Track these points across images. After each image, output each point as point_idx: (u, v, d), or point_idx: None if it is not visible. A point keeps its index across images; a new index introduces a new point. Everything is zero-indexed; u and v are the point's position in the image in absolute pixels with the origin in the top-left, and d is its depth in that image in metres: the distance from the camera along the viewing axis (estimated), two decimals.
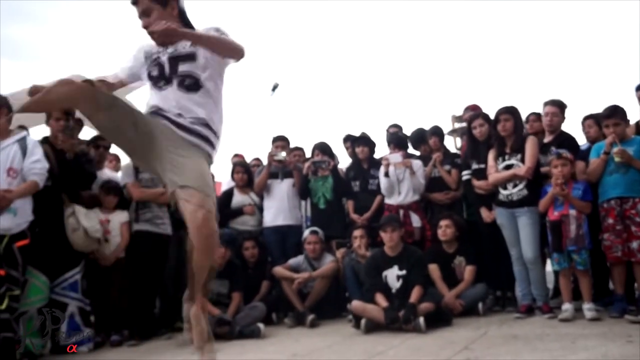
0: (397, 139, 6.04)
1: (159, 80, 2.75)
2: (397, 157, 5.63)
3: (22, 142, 4.36)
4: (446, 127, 7.22)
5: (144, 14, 2.68)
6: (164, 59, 2.74)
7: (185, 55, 2.72)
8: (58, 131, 4.78)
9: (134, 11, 2.74)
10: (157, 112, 2.70)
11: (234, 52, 2.73)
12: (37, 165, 4.36)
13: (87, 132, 5.31)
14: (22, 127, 4.56)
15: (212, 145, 2.76)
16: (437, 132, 6.01)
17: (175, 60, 2.73)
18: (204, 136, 2.70)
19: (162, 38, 2.50)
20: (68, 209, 4.76)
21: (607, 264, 4.52)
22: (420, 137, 6.11)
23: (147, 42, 2.71)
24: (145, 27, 2.61)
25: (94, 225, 4.85)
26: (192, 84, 2.71)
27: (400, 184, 5.64)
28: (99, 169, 5.38)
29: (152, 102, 2.76)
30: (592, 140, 5.10)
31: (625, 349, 3.18)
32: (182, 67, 2.72)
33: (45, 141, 4.79)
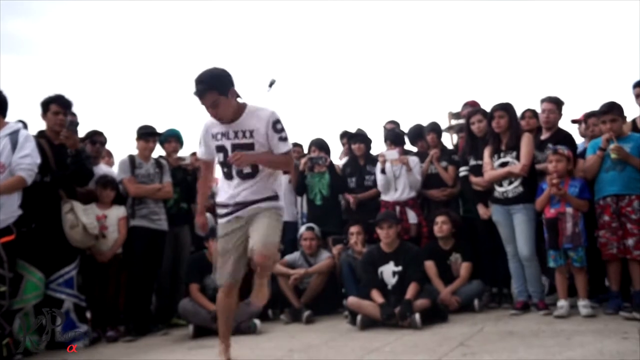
0: (393, 136, 6.03)
1: (224, 166, 3.37)
2: (393, 153, 5.63)
3: (14, 136, 4.19)
4: (443, 123, 7.19)
5: (211, 107, 3.19)
6: (228, 145, 3.30)
7: (245, 145, 3.27)
8: (60, 126, 4.74)
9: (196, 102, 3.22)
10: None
11: (287, 167, 3.68)
12: (25, 161, 4.17)
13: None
14: (20, 121, 4.51)
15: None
16: (434, 128, 6.01)
17: (236, 148, 3.28)
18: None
19: (240, 166, 3.22)
20: (66, 204, 4.72)
21: (602, 261, 4.53)
22: (417, 133, 6.11)
23: (208, 122, 3.36)
24: (214, 116, 3.24)
25: (93, 221, 4.83)
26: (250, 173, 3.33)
27: (396, 181, 5.64)
28: (95, 165, 5.36)
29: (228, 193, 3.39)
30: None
31: (621, 345, 3.20)
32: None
33: (41, 135, 4.75)
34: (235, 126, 3.27)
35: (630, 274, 4.38)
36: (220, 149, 3.33)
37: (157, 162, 5.42)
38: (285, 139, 3.31)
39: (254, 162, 3.27)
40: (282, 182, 3.67)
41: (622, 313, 4.07)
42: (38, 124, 4.89)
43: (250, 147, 3.26)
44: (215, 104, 3.17)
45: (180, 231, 5.62)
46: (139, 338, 4.92)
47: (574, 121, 5.76)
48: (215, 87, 3.15)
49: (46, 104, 4.78)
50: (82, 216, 4.71)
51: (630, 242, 4.28)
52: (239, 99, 3.28)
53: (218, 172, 3.51)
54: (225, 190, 3.38)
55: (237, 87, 3.25)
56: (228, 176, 3.36)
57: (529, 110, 5.38)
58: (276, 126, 3.27)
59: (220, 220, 3.42)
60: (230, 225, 3.35)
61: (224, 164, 3.35)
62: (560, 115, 5.18)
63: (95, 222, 4.88)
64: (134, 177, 5.21)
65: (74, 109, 4.88)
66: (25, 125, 5.03)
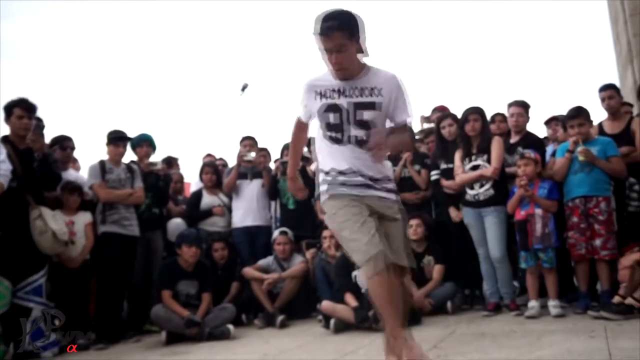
0: None
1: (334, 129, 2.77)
2: None
3: None
4: (415, 127, 7.28)
5: (335, 50, 2.64)
6: (345, 104, 2.74)
7: (367, 104, 2.74)
8: (25, 130, 4.65)
9: (315, 43, 2.69)
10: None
11: (409, 147, 3.21)
12: (2, 166, 4.21)
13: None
14: None
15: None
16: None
17: (357, 107, 2.74)
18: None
19: (377, 156, 2.68)
20: (34, 211, 4.61)
21: (571, 261, 4.61)
22: None
23: (312, 78, 2.81)
24: (336, 62, 2.66)
25: (62, 227, 4.74)
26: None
27: None
28: (64, 170, 5.28)
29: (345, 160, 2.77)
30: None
31: (589, 343, 3.26)
32: (366, 116, 2.74)
33: (5, 140, 4.65)
34: (357, 82, 2.74)
35: (598, 274, 4.47)
36: (332, 108, 2.75)
37: (128, 167, 5.36)
38: (408, 107, 2.79)
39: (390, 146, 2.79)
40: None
41: (590, 312, 4.14)
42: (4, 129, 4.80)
43: (373, 106, 2.72)
44: (342, 48, 2.63)
45: (152, 236, 5.56)
46: (110, 345, 4.84)
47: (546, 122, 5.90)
48: (347, 28, 2.63)
49: (9, 108, 4.67)
50: (51, 222, 4.62)
51: (597, 242, 4.37)
52: (362, 56, 2.75)
53: (319, 137, 2.89)
54: (338, 157, 2.77)
55: (367, 42, 2.72)
56: (336, 141, 2.77)
57: (499, 114, 5.47)
58: (403, 87, 2.77)
59: (339, 189, 2.74)
60: (355, 198, 2.71)
61: (335, 127, 2.76)
62: (528, 118, 5.28)
63: (65, 228, 4.79)
64: (104, 182, 5.14)
65: (39, 113, 4.80)
66: None
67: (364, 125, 2.74)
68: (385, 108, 2.75)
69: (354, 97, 2.73)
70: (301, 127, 3.05)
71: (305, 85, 2.84)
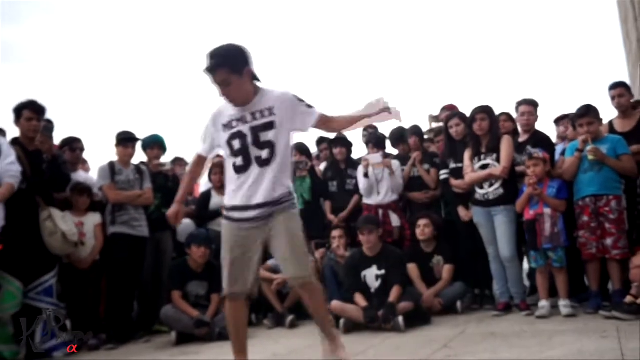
0: (375, 139, 6.06)
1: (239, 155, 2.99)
2: (376, 157, 5.64)
3: None
4: (424, 126, 7.25)
5: (222, 84, 2.91)
6: (246, 130, 2.97)
7: (266, 125, 2.97)
8: (34, 132, 4.68)
9: (207, 79, 2.93)
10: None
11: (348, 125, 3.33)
12: (13, 168, 4.25)
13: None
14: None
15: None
16: (417, 131, 6.03)
17: (256, 131, 2.97)
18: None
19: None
20: (44, 212, 4.64)
21: (582, 261, 4.58)
22: (399, 136, 6.13)
23: (216, 111, 3.06)
24: (225, 96, 2.94)
25: (72, 228, 4.76)
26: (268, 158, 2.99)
27: (379, 184, 5.65)
28: (74, 171, 5.30)
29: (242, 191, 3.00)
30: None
31: (600, 344, 3.24)
32: (265, 136, 2.97)
33: (15, 142, 4.68)
34: (251, 108, 2.97)
35: (609, 273, 4.44)
36: (236, 135, 2.98)
37: (137, 168, 5.38)
38: (310, 106, 3.05)
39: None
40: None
41: (602, 312, 4.12)
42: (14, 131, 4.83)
43: (271, 126, 2.94)
44: (227, 83, 2.90)
45: (161, 237, 5.57)
46: (120, 346, 4.86)
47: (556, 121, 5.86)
48: (228, 64, 2.89)
49: (19, 110, 4.70)
50: (60, 223, 4.64)
51: (608, 241, 4.34)
52: (256, 82, 3.01)
53: (228, 168, 3.08)
54: (236, 189, 3.00)
55: (255, 68, 2.98)
56: (243, 169, 2.97)
57: (504, 114, 5.44)
58: (296, 98, 3.02)
59: (233, 224, 3.04)
60: (246, 230, 3.00)
61: (240, 152, 2.97)
62: (537, 117, 5.25)
63: (75, 229, 4.81)
64: (114, 183, 5.16)
65: (48, 115, 4.83)
66: (4, 134, 4.98)
67: (266, 145, 2.96)
68: (281, 124, 2.97)
69: (252, 121, 2.97)
70: (200, 162, 3.24)
71: (211, 120, 3.09)
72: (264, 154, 2.95)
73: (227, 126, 3.01)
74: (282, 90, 3.04)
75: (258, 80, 3.01)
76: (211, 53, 2.91)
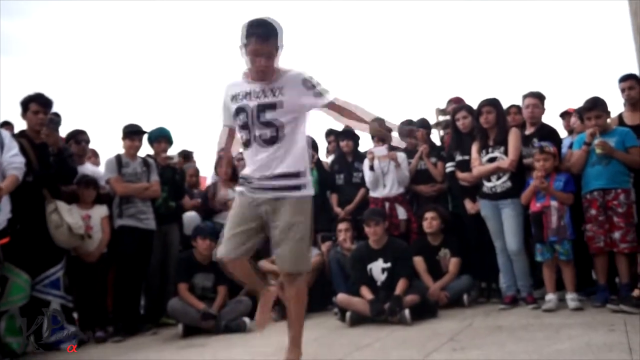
0: None
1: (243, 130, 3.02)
2: (382, 150, 5.63)
3: None
4: (430, 119, 7.21)
5: (266, 55, 2.85)
6: (250, 105, 2.96)
7: (269, 105, 2.94)
8: (41, 125, 4.69)
9: (240, 49, 2.91)
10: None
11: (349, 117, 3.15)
12: (16, 159, 4.24)
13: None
14: (5, 122, 4.47)
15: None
16: (424, 124, 6.02)
17: (260, 108, 2.95)
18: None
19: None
20: (50, 205, 4.66)
21: (590, 254, 4.56)
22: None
23: (229, 83, 3.08)
24: (261, 68, 2.87)
25: (78, 221, 4.78)
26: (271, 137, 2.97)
27: (385, 177, 5.64)
28: (80, 164, 5.31)
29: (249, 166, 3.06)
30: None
31: (608, 337, 3.22)
32: (268, 116, 2.94)
33: (22, 135, 4.70)
34: (266, 85, 2.94)
35: (617, 267, 4.42)
36: (241, 110, 2.98)
37: (144, 160, 5.39)
38: (320, 94, 2.95)
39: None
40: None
41: (609, 306, 4.10)
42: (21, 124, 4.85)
43: (274, 106, 2.91)
44: (271, 54, 2.86)
45: (168, 230, 5.59)
46: (128, 338, 4.88)
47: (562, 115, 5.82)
48: (279, 37, 2.87)
49: (26, 103, 4.72)
50: (66, 216, 4.65)
51: (616, 235, 4.31)
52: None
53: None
54: (246, 159, 3.08)
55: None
56: (247, 143, 3.01)
57: (514, 106, 5.41)
58: (306, 83, 2.94)
59: (247, 194, 3.04)
60: (249, 201, 3.02)
61: (243, 127, 2.99)
62: (543, 109, 5.20)
63: (81, 222, 4.82)
64: (120, 176, 5.17)
65: (55, 108, 4.84)
66: (11, 126, 4.99)
67: (268, 124, 2.93)
68: (288, 105, 2.91)
69: (260, 98, 2.94)
70: (230, 133, 3.26)
71: (224, 90, 3.10)
72: (267, 132, 2.94)
73: (235, 98, 3.01)
74: (297, 71, 2.98)
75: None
76: (258, 22, 2.85)
